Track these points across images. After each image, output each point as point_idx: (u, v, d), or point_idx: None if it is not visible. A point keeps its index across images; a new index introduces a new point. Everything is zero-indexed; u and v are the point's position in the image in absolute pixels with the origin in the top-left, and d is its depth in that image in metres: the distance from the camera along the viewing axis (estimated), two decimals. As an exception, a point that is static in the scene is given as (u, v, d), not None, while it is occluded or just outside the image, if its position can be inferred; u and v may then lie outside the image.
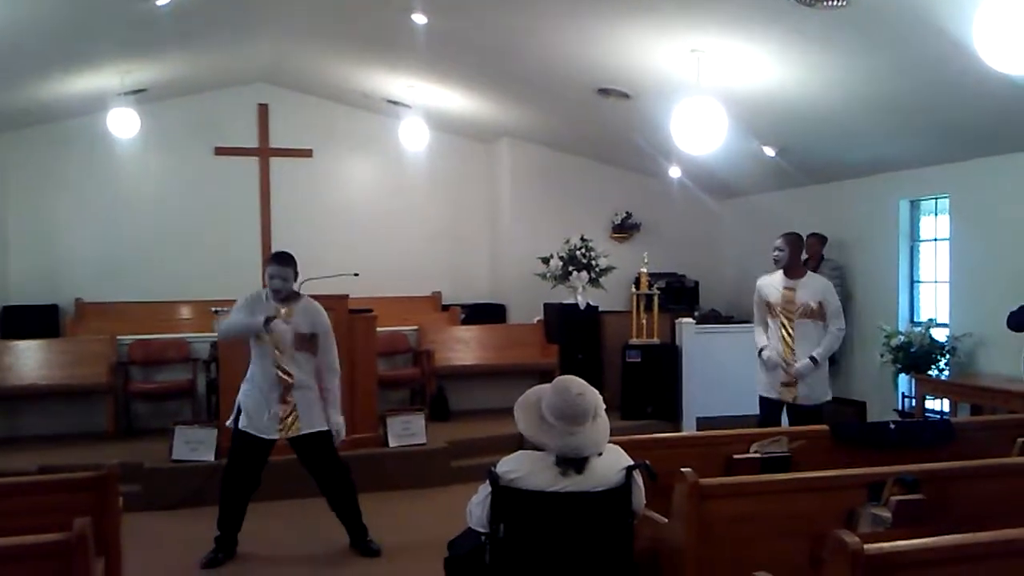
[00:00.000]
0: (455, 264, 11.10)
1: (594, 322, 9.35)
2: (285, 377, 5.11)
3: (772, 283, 5.89)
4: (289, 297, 5.19)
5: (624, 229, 10.91)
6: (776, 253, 5.80)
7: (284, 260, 5.14)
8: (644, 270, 8.86)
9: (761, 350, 5.81)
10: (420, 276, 10.78)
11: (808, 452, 4.21)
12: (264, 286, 5.26)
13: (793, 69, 6.36)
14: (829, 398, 5.86)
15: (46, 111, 9.18)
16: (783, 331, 5.73)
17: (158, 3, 6.48)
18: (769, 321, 5.84)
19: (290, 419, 5.13)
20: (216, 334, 5.28)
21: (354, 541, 5.37)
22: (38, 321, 9.24)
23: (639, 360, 8.55)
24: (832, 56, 6.03)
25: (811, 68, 6.29)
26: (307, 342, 5.16)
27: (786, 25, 5.56)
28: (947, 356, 7.49)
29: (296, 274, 5.21)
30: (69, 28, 6.77)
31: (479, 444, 7.42)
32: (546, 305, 9.68)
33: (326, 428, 5.23)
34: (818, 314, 5.69)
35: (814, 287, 5.76)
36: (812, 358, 5.64)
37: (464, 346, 9.33)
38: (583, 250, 9.35)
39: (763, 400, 5.92)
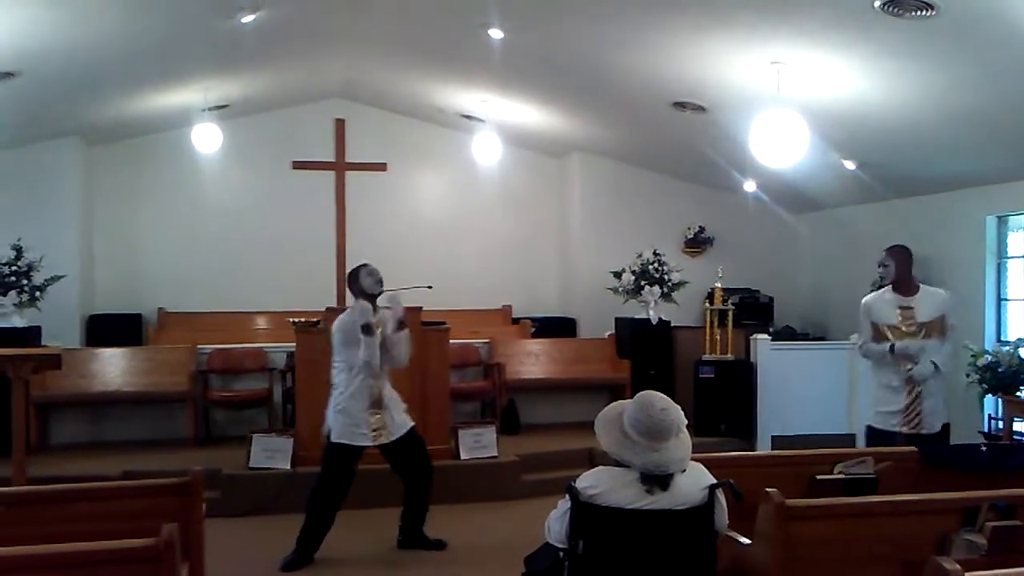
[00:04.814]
0: (526, 277, 11.09)
1: (666, 337, 9.25)
2: (377, 388, 5.36)
3: (883, 302, 5.25)
4: (376, 306, 5.47)
5: (696, 243, 10.80)
6: (880, 269, 5.30)
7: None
8: (719, 285, 8.73)
9: (892, 346, 5.11)
10: (491, 289, 10.80)
11: (894, 474, 4.08)
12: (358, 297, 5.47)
13: (877, 80, 6.21)
14: (946, 421, 5.17)
15: (133, 126, 9.48)
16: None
17: (242, 21, 6.64)
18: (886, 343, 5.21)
19: (380, 429, 5.35)
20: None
21: (416, 531, 5.57)
22: (122, 330, 9.50)
23: (712, 376, 8.43)
24: (918, 67, 5.87)
25: (896, 79, 6.13)
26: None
27: (871, 36, 5.43)
28: (1037, 377, 7.20)
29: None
30: (158, 46, 6.99)
31: (550, 458, 7.40)
32: (617, 319, 9.61)
33: (411, 425, 5.50)
34: (940, 330, 5.13)
35: (934, 301, 5.20)
36: (934, 363, 5.06)
37: (535, 359, 9.32)
38: (655, 264, 9.26)
39: (875, 433, 5.20)
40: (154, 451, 7.49)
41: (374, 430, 5.34)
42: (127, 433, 8.02)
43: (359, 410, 5.32)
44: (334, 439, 5.36)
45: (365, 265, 5.58)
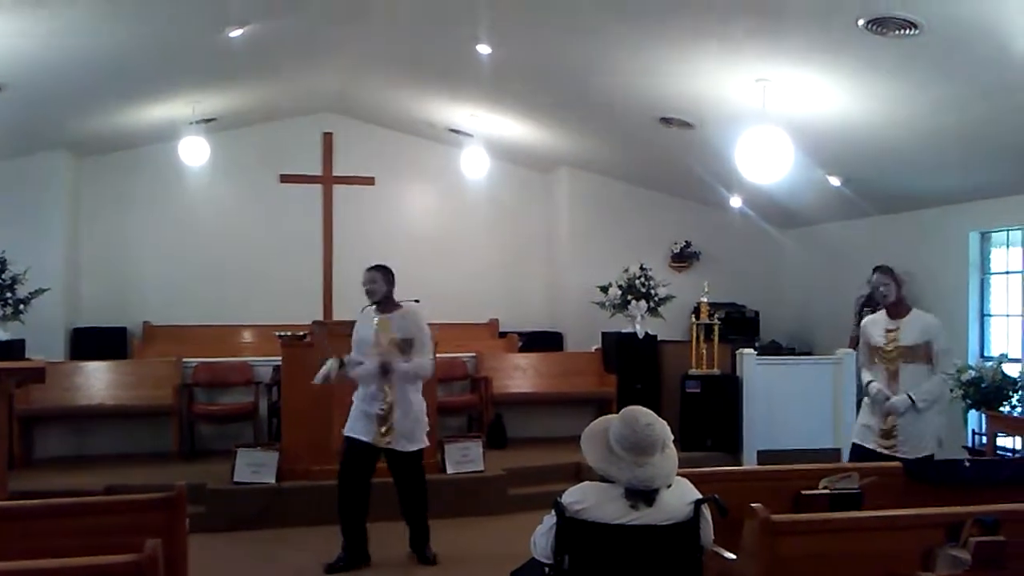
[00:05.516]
0: (513, 291, 11.09)
1: (652, 351, 9.26)
2: (385, 389, 5.38)
3: (876, 323, 5.31)
4: (389, 307, 5.53)
5: (683, 258, 10.84)
6: (882, 289, 5.20)
7: (374, 267, 5.57)
8: (705, 299, 8.76)
9: (869, 383, 5.22)
10: (478, 303, 10.79)
11: (879, 489, 4.08)
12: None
13: (861, 98, 6.27)
14: (931, 452, 5.08)
15: (121, 139, 9.46)
16: (887, 376, 5.15)
17: (230, 35, 6.65)
18: (874, 366, 5.29)
19: (385, 429, 5.38)
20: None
21: (413, 545, 5.65)
22: (107, 343, 9.45)
23: (699, 391, 8.44)
24: (902, 84, 5.93)
25: (880, 96, 6.20)
26: (405, 348, 5.43)
27: (856, 54, 5.49)
28: (1020, 392, 7.25)
29: (389, 281, 5.56)
30: (146, 59, 6.99)
31: (536, 472, 7.39)
32: (604, 334, 9.62)
33: (419, 448, 5.53)
34: (926, 356, 5.08)
35: (919, 326, 5.13)
36: (910, 396, 5.03)
37: (521, 374, 9.32)
38: (642, 279, 9.29)
39: (856, 448, 5.30)
40: (138, 465, 7.43)
41: (381, 429, 5.37)
42: (111, 447, 7.95)
43: (367, 407, 5.40)
44: (344, 431, 5.51)
45: (368, 269, 5.66)
